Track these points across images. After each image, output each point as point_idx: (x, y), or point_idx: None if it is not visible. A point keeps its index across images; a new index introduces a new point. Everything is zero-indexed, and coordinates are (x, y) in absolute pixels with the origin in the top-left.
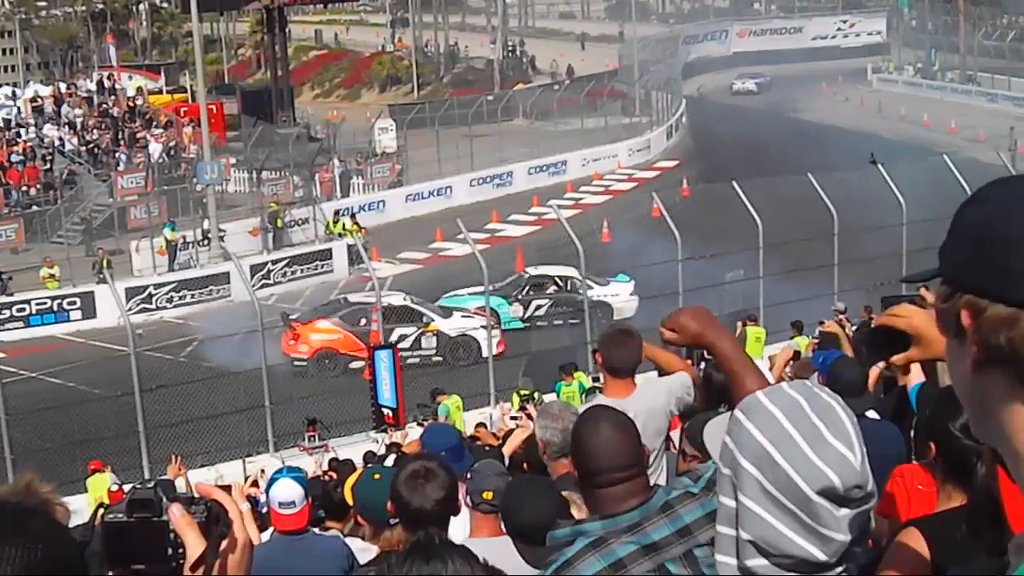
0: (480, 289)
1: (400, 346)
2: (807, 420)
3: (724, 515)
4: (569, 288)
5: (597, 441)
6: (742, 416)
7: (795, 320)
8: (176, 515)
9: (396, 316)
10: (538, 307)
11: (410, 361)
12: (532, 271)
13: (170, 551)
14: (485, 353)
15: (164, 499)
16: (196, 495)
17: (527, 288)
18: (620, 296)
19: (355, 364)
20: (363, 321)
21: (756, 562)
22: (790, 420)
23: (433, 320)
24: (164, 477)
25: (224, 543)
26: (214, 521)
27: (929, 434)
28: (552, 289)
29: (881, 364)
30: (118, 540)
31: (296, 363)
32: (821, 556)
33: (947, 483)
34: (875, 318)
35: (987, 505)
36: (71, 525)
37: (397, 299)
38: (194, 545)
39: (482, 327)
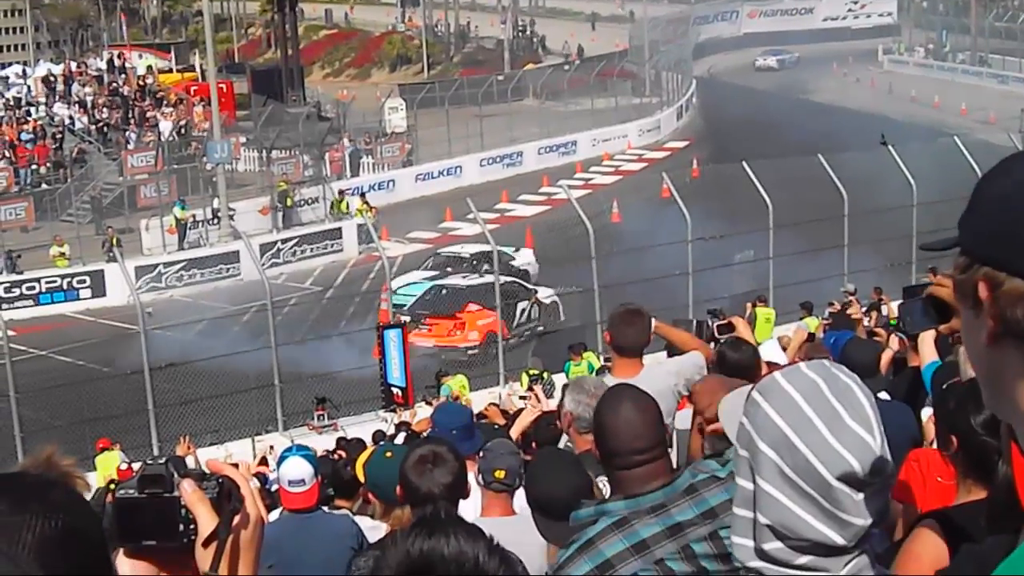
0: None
1: (522, 321)
2: (826, 402)
3: (741, 497)
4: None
5: (616, 422)
6: (760, 398)
7: (804, 301)
8: (188, 491)
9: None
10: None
11: (527, 333)
12: (445, 251)
13: (181, 527)
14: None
15: (175, 475)
16: (207, 471)
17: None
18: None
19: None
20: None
21: (772, 545)
22: (808, 402)
23: (537, 292)
24: (175, 454)
25: (237, 518)
26: (226, 497)
27: (952, 427)
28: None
29: (894, 347)
30: (129, 516)
31: (470, 351)
32: (840, 540)
33: (967, 477)
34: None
35: (1007, 501)
36: None
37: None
38: (206, 521)
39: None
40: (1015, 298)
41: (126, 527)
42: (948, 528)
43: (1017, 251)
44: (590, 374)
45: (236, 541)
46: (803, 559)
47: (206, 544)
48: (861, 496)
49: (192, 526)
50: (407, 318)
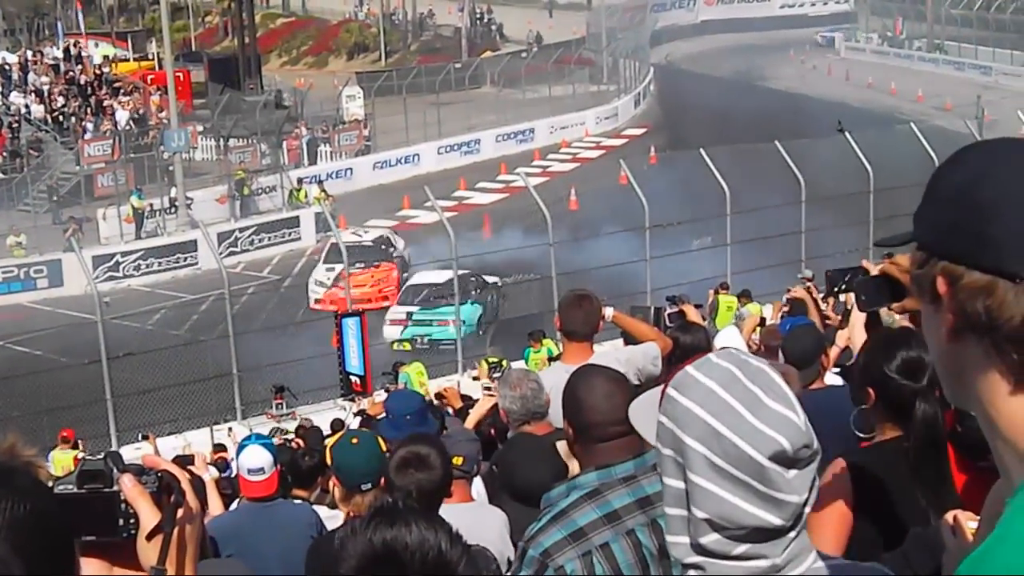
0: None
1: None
2: (743, 387)
3: (671, 496)
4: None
5: (595, 396)
6: (676, 393)
7: (744, 289)
8: (128, 485)
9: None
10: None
11: None
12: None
13: (121, 521)
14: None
15: (115, 470)
16: (145, 466)
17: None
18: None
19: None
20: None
21: (709, 538)
22: (727, 390)
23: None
24: (114, 450)
25: (180, 512)
26: (166, 491)
27: (866, 379)
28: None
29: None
30: (69, 511)
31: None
32: (777, 521)
33: (884, 423)
34: (871, 265)
35: (928, 441)
36: None
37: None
38: (148, 515)
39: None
40: (974, 291)
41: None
42: (860, 468)
43: (974, 243)
44: (549, 361)
45: (181, 535)
46: (741, 548)
47: (149, 538)
48: (793, 473)
49: (132, 520)
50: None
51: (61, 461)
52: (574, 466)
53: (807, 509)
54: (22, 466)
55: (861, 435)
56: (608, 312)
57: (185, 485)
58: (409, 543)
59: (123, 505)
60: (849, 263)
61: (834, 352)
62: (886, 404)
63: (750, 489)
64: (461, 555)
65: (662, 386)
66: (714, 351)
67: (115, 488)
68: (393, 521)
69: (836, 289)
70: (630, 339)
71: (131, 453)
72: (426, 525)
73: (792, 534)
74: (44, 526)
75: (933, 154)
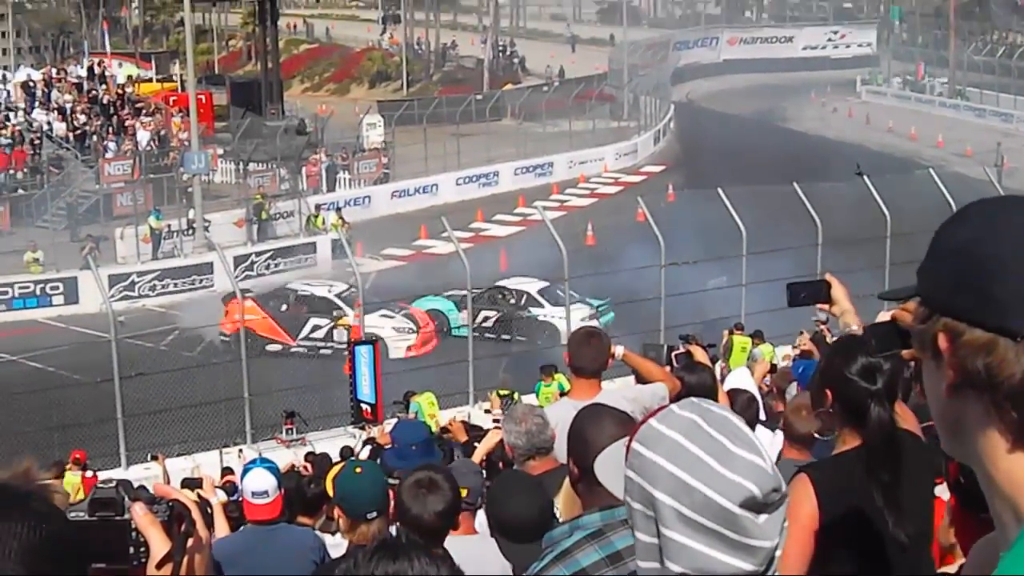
0: (449, 293)
1: (313, 335)
2: (708, 436)
3: (644, 550)
4: (521, 304)
5: (603, 438)
6: (643, 448)
7: (757, 330)
8: (139, 514)
9: (316, 306)
10: (486, 318)
11: (322, 352)
12: (502, 283)
13: (132, 550)
14: (392, 355)
15: (126, 498)
16: (156, 495)
17: (485, 297)
18: (570, 319)
19: (271, 347)
20: (284, 307)
21: None
22: (692, 440)
23: (346, 315)
24: (126, 478)
25: (190, 541)
26: (177, 520)
27: (825, 381)
28: (512, 302)
29: None
30: (80, 538)
31: (222, 338)
32: (750, 567)
33: (843, 427)
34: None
35: (882, 443)
36: None
37: (322, 290)
38: (158, 544)
39: (396, 328)
40: (975, 349)
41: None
42: (818, 478)
43: (976, 301)
44: (560, 396)
45: (191, 563)
46: None
47: (159, 566)
48: (763, 517)
49: (143, 549)
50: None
51: (70, 482)
52: (561, 502)
53: (778, 552)
54: (38, 490)
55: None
56: (618, 350)
57: (196, 514)
58: None
59: (134, 533)
60: (866, 307)
61: None
62: (843, 406)
63: (722, 538)
64: None
65: (626, 439)
66: (689, 398)
67: (126, 516)
68: (396, 555)
69: (793, 303)
70: (640, 377)
71: (140, 473)
72: (428, 560)
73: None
74: (59, 551)
75: (952, 200)
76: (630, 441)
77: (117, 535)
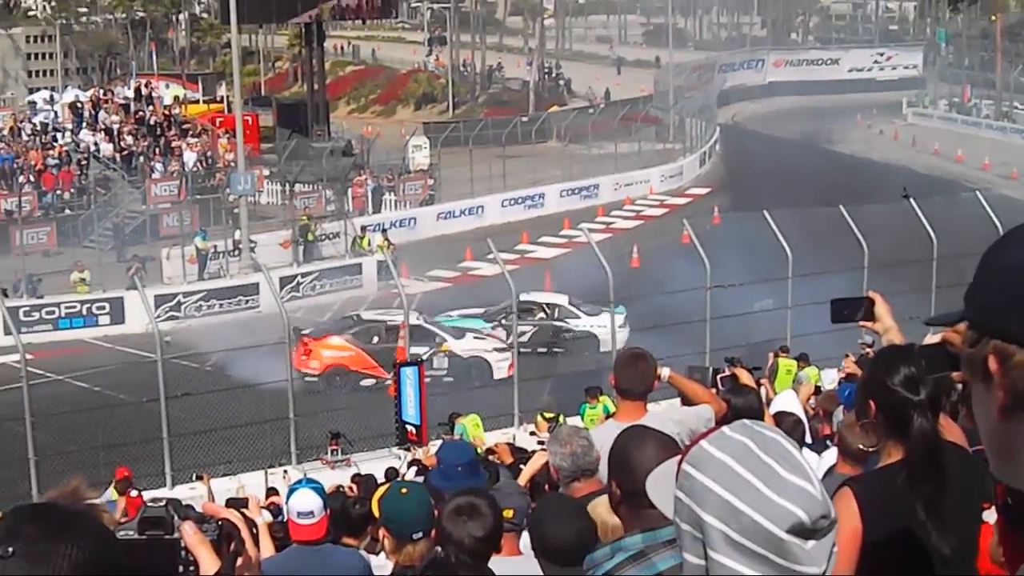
0: (472, 312)
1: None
2: (758, 460)
3: (692, 571)
4: (556, 316)
5: (648, 461)
6: (693, 470)
7: (802, 352)
8: (189, 533)
9: (410, 335)
10: (521, 333)
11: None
12: (522, 296)
13: (181, 569)
14: (496, 376)
15: (176, 517)
16: (205, 514)
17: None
18: (607, 327)
19: (366, 382)
20: (376, 339)
21: None
22: (742, 464)
23: (446, 340)
24: (175, 497)
25: (240, 560)
26: (226, 539)
27: (868, 392)
28: (539, 316)
29: None
30: (129, 557)
31: (307, 378)
32: None
33: (888, 439)
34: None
35: (925, 454)
36: None
37: (412, 318)
38: (208, 563)
39: (496, 349)
40: None
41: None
42: (862, 491)
43: None
44: (605, 419)
45: None
46: None
47: None
48: (811, 543)
49: (192, 567)
50: (307, 330)
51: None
52: (606, 520)
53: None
54: (87, 510)
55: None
56: (664, 372)
57: (245, 533)
58: None
59: (184, 552)
60: (912, 329)
61: None
62: (886, 417)
63: (769, 563)
64: None
65: (678, 459)
66: (741, 420)
67: (176, 535)
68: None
69: (836, 319)
70: (686, 399)
71: (185, 493)
72: None
73: None
74: (108, 571)
75: (998, 223)
76: (681, 461)
77: (167, 554)
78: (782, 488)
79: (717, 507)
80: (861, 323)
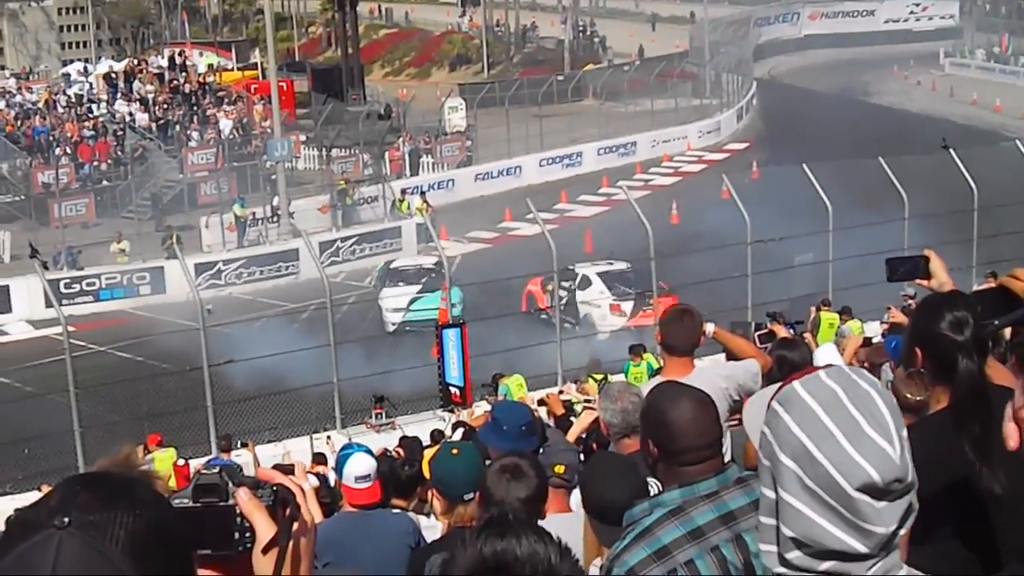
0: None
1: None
2: (845, 411)
3: (765, 505)
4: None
5: (685, 420)
6: (780, 408)
7: (845, 306)
8: (244, 499)
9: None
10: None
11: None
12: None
13: (237, 535)
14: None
15: (230, 484)
16: (259, 479)
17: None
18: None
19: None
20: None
21: (794, 554)
22: (827, 412)
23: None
24: (228, 461)
25: (296, 525)
26: (281, 504)
27: (914, 340)
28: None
29: None
30: (185, 525)
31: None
32: (862, 549)
33: (936, 385)
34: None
35: (971, 395)
36: None
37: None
38: (264, 528)
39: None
40: None
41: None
42: (913, 439)
43: None
44: (649, 375)
45: (296, 548)
46: (825, 565)
47: (266, 551)
48: (883, 504)
49: (248, 534)
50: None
51: (162, 461)
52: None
53: (899, 536)
54: (141, 476)
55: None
56: (709, 328)
57: (301, 499)
58: (519, 555)
59: (239, 519)
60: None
61: None
62: (933, 362)
63: (836, 514)
64: (571, 569)
65: (775, 390)
66: (838, 365)
67: (231, 502)
68: (503, 532)
69: (892, 278)
70: (731, 355)
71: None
72: (536, 538)
73: (881, 554)
74: (164, 538)
75: None
76: (772, 397)
77: (222, 521)
78: (862, 445)
79: (795, 449)
80: (918, 282)
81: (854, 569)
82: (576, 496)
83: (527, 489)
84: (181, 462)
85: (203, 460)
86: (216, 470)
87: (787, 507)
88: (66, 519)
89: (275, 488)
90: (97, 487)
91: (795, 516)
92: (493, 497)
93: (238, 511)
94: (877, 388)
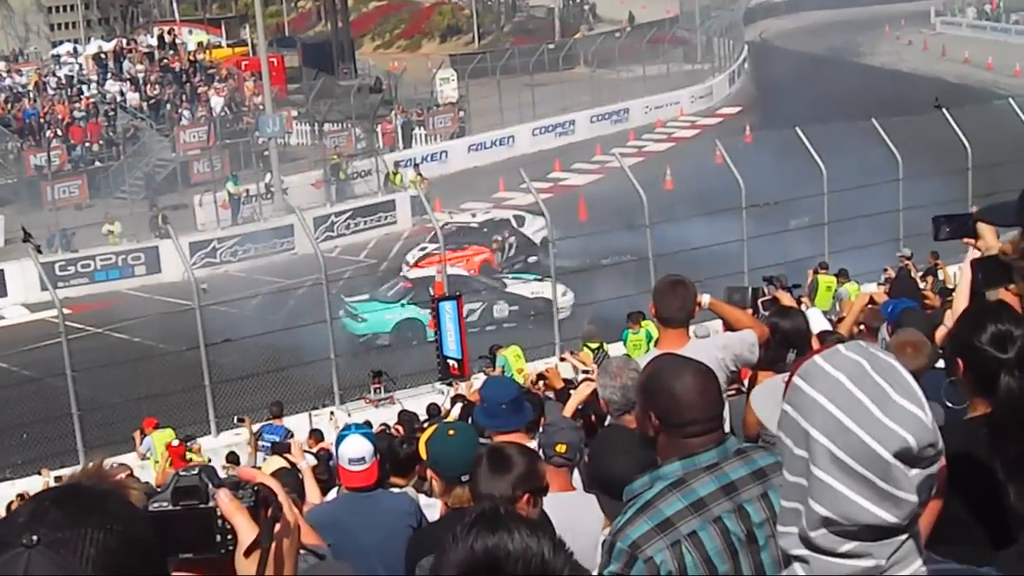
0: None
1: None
2: (872, 381)
3: (789, 489)
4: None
5: (688, 392)
6: (804, 383)
7: (842, 268)
8: (225, 501)
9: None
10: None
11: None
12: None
13: (219, 538)
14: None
15: (210, 485)
16: (240, 479)
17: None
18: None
19: None
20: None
21: (818, 532)
22: (855, 383)
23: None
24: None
25: (278, 526)
26: (263, 505)
27: (955, 351)
28: None
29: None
30: (164, 529)
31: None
32: (893, 520)
33: (975, 396)
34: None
35: (1010, 413)
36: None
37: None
38: (245, 530)
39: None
40: None
41: (161, 540)
42: (948, 442)
43: None
44: (648, 343)
45: (279, 549)
46: (848, 545)
47: (247, 553)
48: (915, 471)
49: (230, 536)
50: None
51: (161, 439)
52: None
53: (922, 509)
54: (113, 489)
55: (951, 405)
56: (704, 299)
57: (283, 498)
58: (511, 551)
59: (220, 521)
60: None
61: (941, 333)
62: (974, 375)
63: (871, 486)
64: (564, 563)
65: (787, 374)
66: (844, 343)
67: (211, 504)
68: (495, 527)
69: (938, 237)
70: (728, 325)
71: (230, 439)
72: (528, 532)
73: (903, 536)
74: (137, 551)
75: None
76: (791, 376)
77: (202, 524)
78: (893, 412)
79: (826, 423)
80: (964, 240)
81: (875, 550)
82: (577, 473)
83: (511, 480)
84: (176, 442)
85: (256, 427)
86: (195, 472)
87: (818, 483)
88: (35, 537)
89: (256, 488)
90: (67, 502)
91: (826, 492)
92: (481, 494)
93: (219, 513)
94: (897, 360)
